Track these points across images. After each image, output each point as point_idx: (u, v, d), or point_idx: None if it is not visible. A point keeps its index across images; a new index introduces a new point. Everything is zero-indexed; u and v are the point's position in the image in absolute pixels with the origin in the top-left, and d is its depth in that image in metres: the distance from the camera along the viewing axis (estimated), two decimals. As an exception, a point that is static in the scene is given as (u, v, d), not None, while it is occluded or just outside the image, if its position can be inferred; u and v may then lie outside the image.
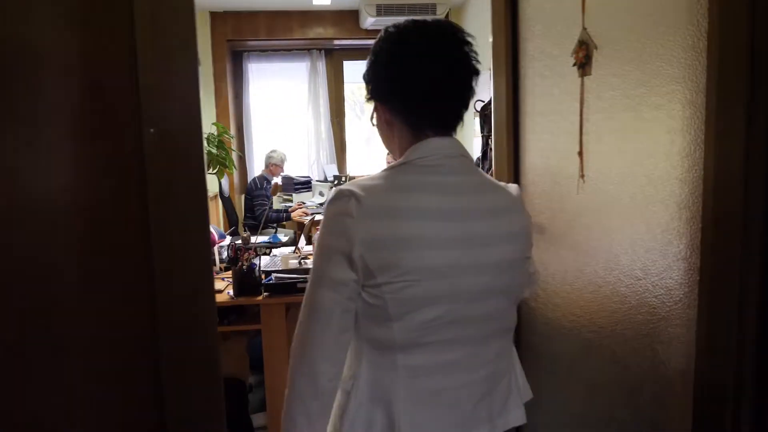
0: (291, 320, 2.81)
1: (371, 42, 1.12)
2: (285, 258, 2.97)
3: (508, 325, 1.15)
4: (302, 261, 3.21)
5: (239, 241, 2.70)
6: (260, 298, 2.62)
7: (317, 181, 6.57)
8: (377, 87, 1.11)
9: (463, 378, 1.08)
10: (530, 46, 2.08)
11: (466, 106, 1.10)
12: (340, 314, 1.00)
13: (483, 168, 4.96)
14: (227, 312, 2.70)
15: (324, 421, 1.04)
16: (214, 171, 4.71)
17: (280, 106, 7.03)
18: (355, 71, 7.15)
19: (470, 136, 6.29)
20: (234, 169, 4.82)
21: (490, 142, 4.97)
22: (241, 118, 6.93)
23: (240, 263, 2.62)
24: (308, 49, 6.87)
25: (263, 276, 2.83)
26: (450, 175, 1.06)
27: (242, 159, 6.96)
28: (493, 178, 1.16)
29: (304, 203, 6.02)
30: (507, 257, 1.07)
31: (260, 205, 5.49)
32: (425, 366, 1.05)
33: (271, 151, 5.75)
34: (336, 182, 6.08)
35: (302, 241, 3.37)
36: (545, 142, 2.03)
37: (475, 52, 1.07)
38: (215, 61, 6.41)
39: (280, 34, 6.44)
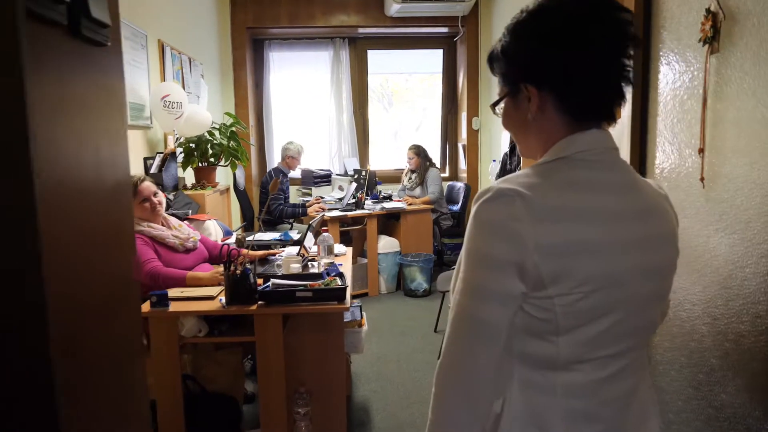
0: (289, 333, 2.49)
1: (397, 30, 0.99)
2: (287, 261, 2.66)
3: (651, 339, 1.04)
4: (309, 263, 2.90)
5: (234, 240, 2.40)
6: (254, 307, 2.31)
7: (337, 174, 6.26)
8: (542, 69, 0.93)
9: (617, 392, 0.96)
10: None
11: (629, 86, 0.95)
12: (507, 331, 0.90)
13: (510, 164, 4.61)
14: (218, 321, 2.41)
15: None
16: (227, 163, 4.43)
17: (301, 97, 6.74)
18: (379, 61, 6.81)
19: (498, 128, 5.90)
20: (247, 162, 4.52)
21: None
22: (261, 109, 6.65)
23: (233, 267, 2.32)
24: (331, 38, 6.55)
25: (261, 281, 2.53)
26: (612, 171, 0.94)
27: (262, 150, 6.69)
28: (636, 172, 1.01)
29: (322, 198, 5.72)
30: (669, 259, 0.98)
31: (275, 200, 5.20)
32: (585, 384, 0.93)
33: (288, 143, 5.45)
34: (356, 176, 5.76)
35: (309, 239, 3.04)
36: (662, 135, 1.66)
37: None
38: (235, 49, 6.13)
39: (303, 22, 6.13)
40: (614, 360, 0.95)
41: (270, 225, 5.29)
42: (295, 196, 6.35)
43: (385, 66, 6.86)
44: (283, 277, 2.53)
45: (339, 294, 2.35)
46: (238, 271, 2.31)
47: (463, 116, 6.52)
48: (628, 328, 0.94)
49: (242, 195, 5.38)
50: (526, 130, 0.99)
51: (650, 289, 0.95)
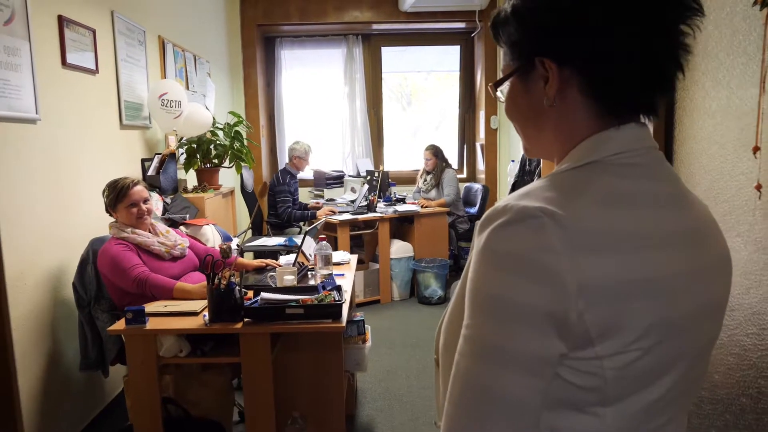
0: (282, 351, 2.25)
1: (411, 26, 0.73)
2: (281, 272, 2.41)
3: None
4: (309, 273, 2.65)
5: (224, 246, 2.16)
6: (239, 325, 2.07)
7: (349, 176, 6.01)
8: (568, 38, 0.66)
9: None
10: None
11: (675, 81, 0.69)
12: (539, 408, 0.62)
13: (530, 164, 4.32)
14: (202, 340, 2.17)
15: None
16: (231, 165, 4.20)
17: (314, 96, 6.50)
18: (395, 59, 6.55)
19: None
20: (252, 163, 4.30)
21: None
22: (273, 108, 6.43)
23: (216, 280, 2.08)
24: (344, 34, 6.31)
25: (252, 294, 2.29)
26: (658, 180, 0.69)
27: (273, 151, 6.48)
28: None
29: (333, 200, 5.48)
30: (727, 290, 0.75)
31: (282, 202, 4.97)
32: None
33: (294, 143, 5.22)
34: (369, 178, 5.51)
35: (309, 244, 2.79)
36: (705, 131, 1.36)
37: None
38: (244, 47, 5.92)
39: (314, 18, 5.89)
40: (669, 424, 0.70)
41: (278, 228, 5.06)
42: (307, 197, 6.12)
43: (401, 64, 6.60)
44: (276, 290, 2.29)
45: (333, 311, 2.10)
46: (222, 285, 2.07)
47: (481, 115, 6.22)
48: (686, 386, 0.70)
49: (250, 197, 5.15)
50: (539, 121, 0.73)
51: (710, 330, 0.72)
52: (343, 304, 2.14)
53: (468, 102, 6.52)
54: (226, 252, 2.13)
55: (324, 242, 2.51)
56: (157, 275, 2.49)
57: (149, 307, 2.23)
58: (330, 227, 4.79)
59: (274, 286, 2.46)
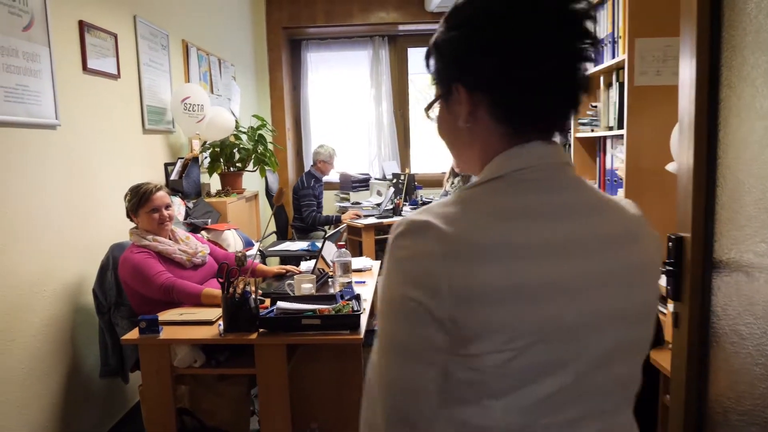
0: (300, 362, 2.18)
1: (438, 27, 0.80)
2: (299, 280, 2.34)
3: (631, 395, 0.81)
4: (329, 281, 2.58)
5: (239, 254, 2.10)
6: (254, 335, 2.01)
7: (375, 179, 5.93)
8: (472, 65, 0.75)
9: None
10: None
11: (579, 100, 0.76)
12: (432, 391, 0.71)
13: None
14: (217, 349, 2.12)
15: None
16: (254, 168, 4.17)
17: (340, 98, 6.45)
18: (420, 60, 6.44)
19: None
20: (276, 166, 4.25)
21: (569, 137, 4.16)
22: (299, 111, 6.40)
23: (231, 289, 2.02)
24: (370, 36, 6.24)
25: (269, 303, 2.22)
26: (562, 191, 0.75)
27: (300, 154, 6.45)
28: (601, 191, 0.82)
29: (359, 203, 5.41)
30: (645, 299, 0.78)
31: (307, 206, 4.92)
32: None
33: (319, 146, 5.17)
34: (395, 181, 5.42)
35: (329, 249, 2.72)
36: (756, 134, 1.21)
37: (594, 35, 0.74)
38: (270, 50, 5.90)
39: (340, 20, 5.84)
40: (579, 427, 0.74)
41: (303, 232, 5.01)
42: (333, 200, 6.07)
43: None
44: (293, 299, 2.22)
45: (351, 322, 2.02)
46: (237, 294, 2.01)
47: (510, 116, 6.08)
48: (591, 388, 0.74)
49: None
50: (459, 140, 0.81)
51: (617, 338, 0.75)
52: (362, 315, 2.06)
53: (496, 103, 6.39)
54: (241, 260, 2.07)
55: (343, 249, 2.44)
56: (184, 281, 2.45)
57: (164, 316, 2.19)
58: (355, 231, 4.72)
59: (292, 294, 2.40)
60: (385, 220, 4.72)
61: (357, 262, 3.04)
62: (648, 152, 2.83)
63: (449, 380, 0.71)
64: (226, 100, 4.78)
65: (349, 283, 2.41)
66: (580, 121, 3.60)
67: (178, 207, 3.41)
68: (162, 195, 2.64)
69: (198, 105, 3.58)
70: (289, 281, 2.45)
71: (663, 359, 1.81)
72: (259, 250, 3.69)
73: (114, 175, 2.93)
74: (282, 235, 5.08)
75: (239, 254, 2.08)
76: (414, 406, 0.71)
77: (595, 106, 3.48)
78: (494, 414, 0.71)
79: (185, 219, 3.38)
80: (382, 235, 4.78)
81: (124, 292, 2.58)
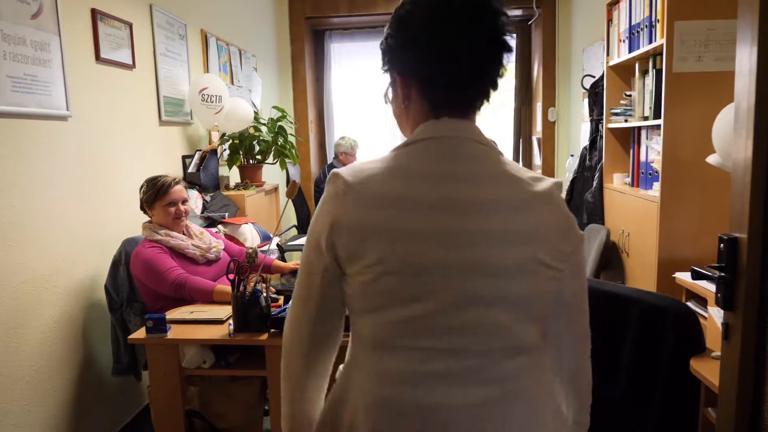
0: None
1: None
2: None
3: (521, 344, 0.91)
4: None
5: (250, 250, 1.99)
6: (265, 336, 1.90)
7: (399, 171, 5.81)
8: (397, 56, 0.95)
9: (457, 396, 0.89)
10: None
11: (494, 86, 0.94)
12: (319, 299, 0.95)
13: (590, 159, 3.99)
14: (228, 350, 2.02)
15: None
16: (275, 161, 4.07)
17: (363, 90, 6.32)
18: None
19: (577, 120, 5.25)
20: (296, 159, 4.15)
21: (600, 128, 3.96)
22: (322, 103, 6.29)
23: (241, 288, 1.92)
24: (394, 26, 6.09)
25: (281, 303, 2.12)
26: (450, 161, 0.91)
27: (323, 147, 6.35)
28: (524, 170, 0.94)
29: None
30: (517, 261, 0.88)
31: (329, 199, 4.82)
32: (404, 372, 0.90)
33: (340, 138, 5.06)
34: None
35: None
36: None
37: (509, 25, 0.92)
38: (293, 42, 5.80)
39: (363, 9, 5.70)
40: (440, 355, 0.89)
41: (324, 226, 4.93)
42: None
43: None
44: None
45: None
46: (247, 293, 1.91)
47: (539, 107, 5.88)
48: (445, 324, 0.88)
49: (298, 195, 5.03)
50: (401, 116, 1.00)
51: (482, 287, 0.87)
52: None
53: (524, 93, 6.19)
54: (251, 256, 1.96)
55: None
56: (196, 278, 2.37)
57: (174, 314, 2.10)
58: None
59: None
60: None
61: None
62: (687, 143, 2.65)
63: (344, 297, 0.95)
64: (247, 92, 4.70)
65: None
66: (612, 110, 3.41)
67: (195, 200, 3.33)
68: (180, 189, 2.55)
69: (216, 96, 3.49)
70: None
71: (703, 368, 1.65)
72: (278, 245, 3.60)
73: (128, 168, 2.86)
74: (303, 228, 4.99)
75: (250, 250, 1.97)
76: (296, 306, 0.99)
77: (630, 95, 3.29)
78: (368, 325, 0.92)
79: (202, 212, 3.30)
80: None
81: (137, 289, 2.51)
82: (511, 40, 0.94)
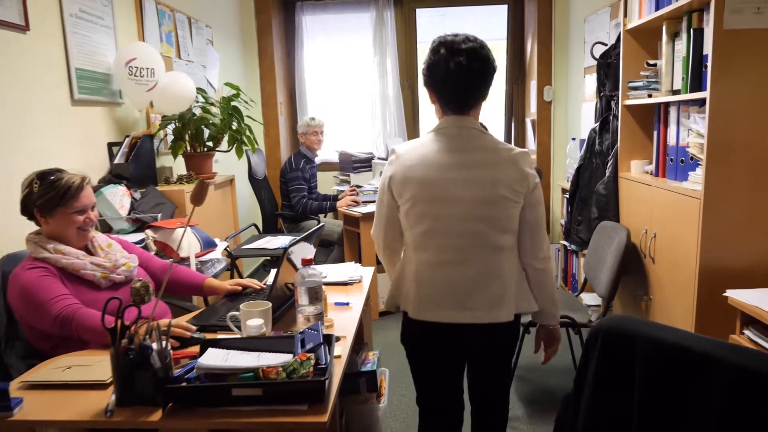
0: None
1: None
2: (246, 314, 1.57)
3: (495, 245, 1.57)
4: (300, 309, 1.78)
5: (138, 284, 1.33)
6: (158, 415, 1.25)
7: (379, 158, 5.14)
8: (429, 85, 1.63)
9: (455, 273, 1.58)
10: None
11: (480, 96, 1.62)
12: (390, 221, 1.66)
13: (600, 143, 3.36)
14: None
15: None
16: (230, 148, 3.39)
17: (339, 68, 5.62)
18: (431, 26, 5.59)
19: (576, 99, 4.60)
20: (255, 145, 3.47)
21: (613, 106, 3.32)
22: (293, 83, 5.59)
23: (124, 341, 1.26)
24: (373, -4, 5.39)
25: (195, 352, 1.46)
26: (453, 139, 1.59)
27: (295, 131, 5.64)
28: (499, 142, 1.62)
29: (359, 187, 4.62)
30: (486, 196, 1.54)
31: (296, 191, 4.14)
32: (429, 261, 1.60)
33: (309, 119, 4.37)
34: (400, 161, 4.62)
35: (302, 253, 1.92)
36: None
37: (483, 58, 1.56)
38: (259, 13, 5.08)
39: (337, -23, 4.99)
40: (446, 250, 1.57)
41: (293, 222, 4.25)
42: (331, 183, 5.28)
43: (438, 32, 5.62)
44: (237, 344, 1.45)
45: (311, 391, 1.25)
46: (133, 348, 1.25)
47: (533, 86, 5.23)
48: (449, 231, 1.56)
49: (262, 186, 4.34)
50: (435, 110, 1.67)
51: (464, 210, 1.54)
52: (328, 380, 1.29)
53: (516, 71, 5.52)
54: (139, 293, 1.30)
55: (309, 268, 1.65)
56: (89, 311, 1.71)
57: (40, 371, 1.44)
58: (352, 221, 3.95)
59: (236, 329, 1.64)
60: (387, 208, 3.93)
61: (341, 271, 2.26)
62: (740, 122, 2.01)
63: (401, 219, 1.64)
64: (200, 68, 3.99)
65: (319, 315, 1.63)
66: (631, 84, 2.77)
67: (121, 198, 2.65)
68: (91, 191, 1.90)
69: (147, 69, 2.80)
70: (232, 313, 1.67)
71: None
72: (227, 250, 2.93)
73: (18, 160, 2.18)
74: (270, 227, 4.31)
75: (137, 284, 1.31)
76: (380, 226, 1.69)
77: (654, 64, 2.64)
78: (410, 236, 1.62)
79: (129, 213, 2.63)
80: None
81: (19, 323, 1.85)
82: (489, 68, 1.59)
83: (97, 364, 1.49)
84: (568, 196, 3.51)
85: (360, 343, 2.09)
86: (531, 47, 5.25)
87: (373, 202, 4.11)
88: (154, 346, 1.28)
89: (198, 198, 1.36)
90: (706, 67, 2.18)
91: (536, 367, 3.11)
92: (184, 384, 1.28)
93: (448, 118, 1.60)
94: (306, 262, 1.65)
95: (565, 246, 4.27)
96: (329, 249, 4.45)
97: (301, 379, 1.27)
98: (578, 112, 4.57)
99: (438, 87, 1.58)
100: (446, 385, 1.72)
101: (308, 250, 2.06)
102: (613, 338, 1.35)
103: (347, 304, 1.93)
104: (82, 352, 1.65)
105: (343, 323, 1.77)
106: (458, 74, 1.52)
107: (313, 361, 1.32)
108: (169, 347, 1.34)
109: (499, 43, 5.57)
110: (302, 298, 1.62)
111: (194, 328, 1.66)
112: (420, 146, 1.59)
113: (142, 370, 1.26)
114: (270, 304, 1.62)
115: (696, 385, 1.24)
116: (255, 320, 1.54)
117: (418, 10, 5.49)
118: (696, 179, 2.21)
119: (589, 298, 3.36)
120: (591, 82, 4.31)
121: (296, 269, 1.93)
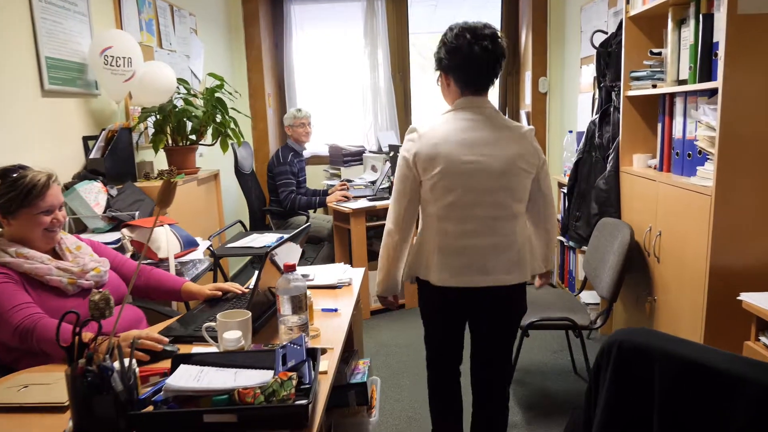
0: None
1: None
2: (222, 325, 1.43)
3: (512, 213, 1.75)
4: (283, 320, 1.64)
5: (96, 296, 1.18)
6: (120, 445, 1.10)
7: (370, 152, 4.99)
8: (442, 64, 1.76)
9: (477, 241, 1.73)
10: None
11: (495, 78, 1.77)
12: (410, 194, 1.77)
13: (600, 136, 3.23)
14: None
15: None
16: (214, 142, 3.23)
17: (330, 59, 5.45)
18: (423, 16, 5.43)
19: (572, 91, 4.47)
20: (241, 138, 3.30)
21: (614, 97, 3.18)
22: (282, 74, 5.42)
23: (80, 358, 1.12)
24: (363, -15, 5.21)
25: (166, 368, 1.32)
26: (472, 118, 1.73)
27: (283, 124, 5.48)
28: (510, 120, 1.79)
29: (350, 181, 4.47)
30: (505, 169, 1.70)
31: (284, 186, 3.98)
32: (452, 232, 1.74)
33: (296, 110, 4.20)
34: (392, 154, 4.48)
35: (286, 257, 1.77)
36: None
37: (501, 44, 1.72)
38: (245, 1, 4.90)
39: (326, -36, 4.81)
40: (469, 220, 1.72)
41: (281, 218, 4.10)
42: (321, 177, 5.13)
43: (431, 22, 5.48)
44: (213, 359, 1.31)
45: (291, 417, 1.11)
46: (89, 372, 1.11)
47: (527, 76, 5.09)
48: (473, 202, 1.71)
49: (250, 181, 4.18)
50: (444, 92, 1.83)
51: (490, 182, 1.70)
52: (312, 404, 1.15)
53: (510, 62, 5.38)
54: (98, 306, 1.15)
55: (293, 273, 1.50)
56: (52, 321, 1.56)
57: (-11, 394, 1.29)
58: (342, 217, 3.80)
59: (212, 341, 1.49)
60: (378, 203, 3.78)
61: (328, 273, 2.12)
62: (757, 114, 1.88)
63: (422, 192, 1.76)
64: (183, 58, 3.82)
65: (304, 325, 1.49)
66: (633, 74, 2.63)
67: (96, 195, 2.49)
68: (58, 190, 1.74)
69: (124, 58, 2.63)
70: (207, 324, 1.52)
71: None
72: (210, 250, 2.78)
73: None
74: (257, 223, 4.15)
75: (96, 297, 1.16)
76: (399, 198, 1.78)
77: (658, 53, 2.50)
78: (434, 207, 1.74)
79: (105, 211, 2.47)
80: (375, 221, 3.85)
81: (-22, 333, 1.69)
82: (502, 51, 1.74)
83: (57, 383, 1.34)
84: (566, 190, 3.37)
85: (349, 351, 1.95)
86: (526, 37, 5.10)
87: (364, 197, 3.98)
88: (116, 365, 1.14)
89: (164, 199, 1.21)
90: (716, 55, 2.04)
91: (534, 370, 2.99)
92: (150, 408, 1.13)
93: (465, 99, 1.74)
94: (289, 268, 1.50)
95: (561, 242, 4.14)
96: (319, 246, 4.30)
97: (281, 403, 1.12)
98: (574, 104, 4.44)
99: (460, 69, 1.72)
100: (454, 342, 1.93)
101: (294, 251, 1.91)
102: (628, 354, 1.22)
103: (335, 310, 1.79)
104: (44, 368, 1.50)
105: (331, 332, 1.63)
106: (483, 57, 1.68)
107: (295, 381, 1.18)
108: (135, 366, 1.19)
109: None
110: (285, 308, 1.47)
111: (166, 340, 1.51)
112: (442, 124, 1.73)
113: (102, 394, 1.11)
114: (249, 314, 1.47)
115: (719, 404, 1.12)
116: (232, 333, 1.39)
117: (410, 2, 5.33)
118: (705, 174, 2.08)
119: (587, 296, 3.23)
120: (588, 72, 4.17)
121: (281, 272, 1.79)
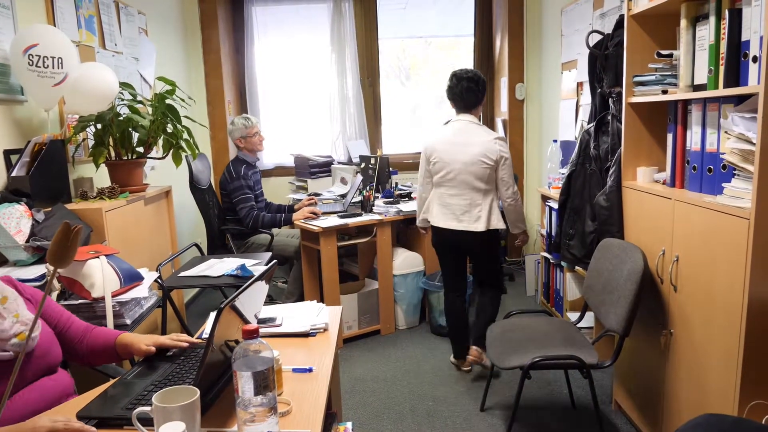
0: None
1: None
2: (162, 405, 1.03)
3: (477, 187, 2.85)
4: (247, 406, 1.24)
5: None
6: None
7: (339, 163, 4.61)
8: (447, 96, 2.95)
9: (456, 201, 2.88)
10: None
11: (477, 102, 2.93)
12: (425, 178, 3.03)
13: (596, 147, 2.93)
14: None
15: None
16: (164, 155, 2.81)
17: (295, 65, 5.06)
18: (392, 22, 5.10)
19: (552, 97, 4.18)
20: (196, 151, 2.89)
21: (612, 104, 2.88)
22: (243, 81, 5.00)
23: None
24: (330, -14, 4.85)
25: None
26: (462, 127, 2.89)
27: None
28: (487, 130, 2.92)
29: (318, 195, 4.08)
30: (473, 160, 2.81)
31: (243, 202, 3.57)
32: (444, 194, 2.92)
33: (230, 123, 3.78)
34: (363, 165, 4.12)
35: (252, 304, 1.39)
36: None
37: (476, 82, 2.90)
38: (202, 1, 4.48)
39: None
40: (452, 188, 2.89)
41: (241, 238, 3.67)
42: (286, 191, 4.73)
43: (400, 28, 5.14)
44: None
45: None
46: None
47: (503, 83, 4.80)
48: (453, 178, 2.87)
49: (207, 196, 3.74)
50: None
51: (463, 167, 2.84)
52: None
53: (485, 69, 5.09)
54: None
55: (255, 339, 1.11)
56: None
57: None
58: (311, 236, 3.41)
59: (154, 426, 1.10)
60: (351, 221, 3.41)
61: (298, 316, 1.73)
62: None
63: (431, 176, 3.02)
64: (131, 60, 3.38)
65: (272, 410, 1.10)
66: (637, 78, 2.33)
67: (19, 220, 2.05)
68: None
69: (53, 58, 2.20)
70: (140, 407, 1.12)
71: None
72: (159, 282, 2.36)
73: None
74: (216, 244, 3.71)
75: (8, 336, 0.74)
76: (421, 181, 3.09)
77: (668, 55, 2.21)
78: (434, 180, 2.98)
79: (27, 241, 2.03)
80: (347, 240, 3.47)
81: None
82: (480, 87, 2.93)
83: None
84: (556, 206, 3.07)
85: (328, 417, 1.57)
86: (501, 41, 4.82)
87: (335, 212, 3.60)
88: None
89: (60, 254, 0.81)
90: (746, 55, 1.75)
91: (534, 406, 2.65)
92: None
93: (459, 115, 2.94)
94: (249, 334, 1.11)
95: (546, 258, 3.84)
96: (286, 266, 3.90)
97: None
98: (555, 112, 4.16)
99: (453, 99, 2.93)
100: (457, 271, 3.08)
101: (260, 290, 1.53)
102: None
103: (310, 370, 1.41)
104: None
105: (306, 404, 1.25)
106: (466, 89, 2.88)
107: None
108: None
109: (466, 39, 5.11)
110: (245, 388, 1.08)
111: (79, 425, 1.11)
112: (443, 131, 2.96)
113: None
114: (198, 393, 1.08)
115: None
116: (173, 426, 1.00)
117: (379, 2, 4.99)
118: (736, 193, 1.77)
119: (576, 318, 2.92)
120: (570, 78, 3.89)
121: (243, 319, 1.39)
